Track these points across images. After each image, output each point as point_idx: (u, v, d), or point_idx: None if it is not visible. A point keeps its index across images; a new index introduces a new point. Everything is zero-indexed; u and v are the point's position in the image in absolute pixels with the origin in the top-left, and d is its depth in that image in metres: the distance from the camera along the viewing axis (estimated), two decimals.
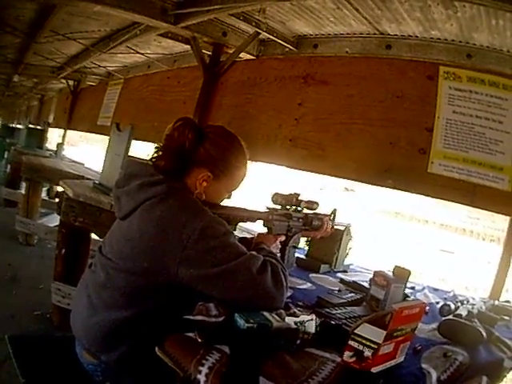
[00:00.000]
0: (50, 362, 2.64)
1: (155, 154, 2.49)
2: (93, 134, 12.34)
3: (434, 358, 2.32)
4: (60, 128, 13.98)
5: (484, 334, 2.60)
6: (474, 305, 3.27)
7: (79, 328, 2.43)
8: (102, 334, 2.29)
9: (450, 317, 2.82)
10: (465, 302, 3.34)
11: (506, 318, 3.37)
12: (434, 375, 2.12)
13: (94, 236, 5.42)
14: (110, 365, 2.33)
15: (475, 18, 4.16)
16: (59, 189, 8.32)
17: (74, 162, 10.24)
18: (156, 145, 2.50)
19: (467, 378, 2.24)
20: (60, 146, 10.75)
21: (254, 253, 2.34)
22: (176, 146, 2.43)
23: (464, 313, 2.91)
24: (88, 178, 6.75)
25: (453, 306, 3.12)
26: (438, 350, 2.43)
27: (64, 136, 13.59)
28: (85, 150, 26.64)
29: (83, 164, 10.09)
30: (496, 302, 3.64)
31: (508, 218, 4.73)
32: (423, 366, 2.20)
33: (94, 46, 8.33)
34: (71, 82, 13.15)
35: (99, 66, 10.48)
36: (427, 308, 3.21)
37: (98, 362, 2.35)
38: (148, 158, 2.52)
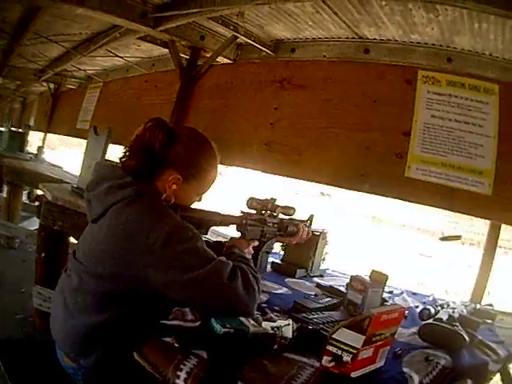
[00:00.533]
0: (33, 366, 2.63)
1: (124, 156, 2.45)
2: (72, 138, 12.27)
3: (415, 362, 2.33)
4: (40, 131, 13.88)
5: (466, 337, 2.60)
6: (454, 309, 3.27)
7: (58, 332, 2.40)
8: (78, 339, 2.27)
9: (430, 321, 2.82)
10: (445, 306, 3.34)
11: (489, 321, 3.39)
12: (417, 379, 2.12)
13: (72, 240, 5.35)
14: (89, 369, 2.30)
15: (457, 21, 4.16)
16: (39, 192, 8.30)
17: (53, 165, 10.20)
18: (125, 146, 2.46)
19: (451, 382, 2.24)
20: (40, 149, 10.71)
21: (223, 258, 2.31)
22: (146, 147, 2.38)
23: (444, 317, 2.89)
24: (67, 182, 6.70)
25: (433, 310, 3.13)
26: (419, 354, 2.44)
27: (44, 139, 13.53)
28: (64, 154, 26.60)
29: (62, 167, 10.03)
30: (478, 306, 3.66)
31: (488, 221, 4.76)
32: (404, 370, 2.21)
33: (75, 48, 8.30)
34: (52, 85, 13.05)
35: (79, 69, 10.40)
36: (406, 312, 3.21)
37: (78, 366, 2.33)
38: (118, 160, 2.49)
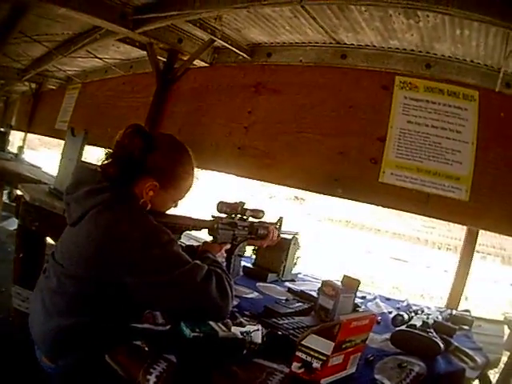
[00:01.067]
0: (16, 364, 2.63)
1: (105, 161, 2.45)
2: (51, 139, 12.23)
3: (387, 368, 2.33)
4: (21, 131, 13.84)
5: (441, 344, 2.59)
6: (429, 315, 3.26)
7: (36, 332, 2.40)
8: (56, 340, 2.27)
9: (403, 327, 2.82)
10: (419, 312, 3.34)
11: (466, 327, 3.40)
12: None
13: (50, 240, 5.31)
14: (67, 369, 2.29)
15: (438, 27, 4.18)
16: (19, 192, 8.29)
17: (32, 165, 10.13)
18: (106, 151, 2.48)
19: None
20: (21, 149, 10.71)
21: (198, 262, 2.32)
22: (125, 154, 2.39)
23: (418, 323, 2.89)
24: (44, 183, 6.68)
25: (406, 316, 3.13)
26: (391, 361, 2.44)
27: (25, 139, 13.51)
28: (43, 154, 26.52)
29: (41, 168, 9.98)
30: (454, 312, 3.67)
31: (465, 227, 4.77)
32: (376, 376, 2.21)
33: (57, 49, 8.27)
34: (34, 85, 13.03)
35: (60, 69, 10.41)
36: (379, 318, 3.25)
37: (56, 366, 2.32)
38: (98, 164, 2.49)
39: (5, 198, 9.74)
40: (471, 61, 4.59)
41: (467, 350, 2.85)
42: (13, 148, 12.08)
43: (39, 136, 14.14)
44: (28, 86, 13.14)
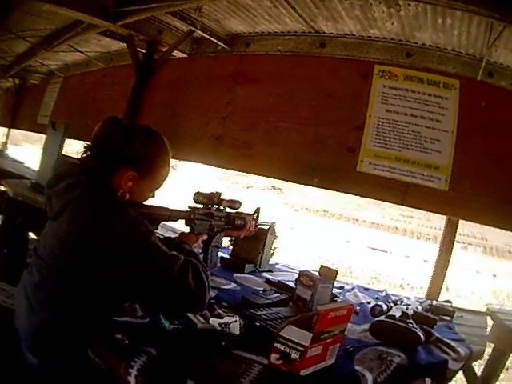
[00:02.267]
0: (1, 361, 2.59)
1: (84, 154, 2.48)
2: (34, 134, 12.22)
3: (367, 359, 2.33)
4: (4, 127, 13.86)
5: (421, 335, 2.60)
6: (408, 305, 3.28)
7: (21, 328, 2.39)
8: (40, 334, 2.27)
9: (382, 318, 2.81)
10: (398, 303, 3.36)
11: (447, 318, 3.40)
12: (370, 377, 2.12)
13: (32, 235, 5.31)
14: (52, 365, 2.28)
15: (419, 16, 4.16)
16: (2, 188, 8.25)
17: (15, 161, 10.19)
18: (85, 144, 2.47)
19: (408, 380, 2.26)
20: (4, 145, 10.67)
21: (174, 253, 2.33)
22: (103, 146, 2.42)
23: (398, 313, 2.88)
24: (27, 178, 6.70)
25: (385, 307, 3.14)
26: (371, 352, 2.45)
27: (8, 135, 13.53)
28: (26, 149, 26.47)
29: (23, 163, 9.99)
30: (434, 302, 3.66)
31: (444, 217, 4.79)
32: (356, 368, 2.21)
33: (40, 44, 8.25)
34: (17, 81, 13.02)
35: (42, 64, 10.36)
36: (358, 308, 3.28)
37: (41, 362, 2.31)
38: (78, 158, 2.51)
39: None
40: (452, 50, 4.57)
41: (449, 341, 2.85)
42: None
43: (23, 131, 14.13)
44: (12, 81, 13.12)
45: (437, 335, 2.83)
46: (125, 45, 6.86)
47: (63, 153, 5.00)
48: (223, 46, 6.04)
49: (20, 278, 2.54)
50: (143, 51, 6.86)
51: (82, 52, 8.28)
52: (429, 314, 3.10)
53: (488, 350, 3.55)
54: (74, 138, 6.16)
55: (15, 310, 2.53)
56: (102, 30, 6.51)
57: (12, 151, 12.63)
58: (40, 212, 4.40)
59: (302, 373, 1.93)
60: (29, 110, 11.87)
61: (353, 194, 4.99)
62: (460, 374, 3.21)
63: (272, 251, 4.29)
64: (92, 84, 8.87)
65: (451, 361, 2.61)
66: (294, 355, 1.90)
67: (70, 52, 8.43)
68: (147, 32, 6.27)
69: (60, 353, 2.24)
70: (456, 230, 4.77)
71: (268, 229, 4.10)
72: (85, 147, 2.47)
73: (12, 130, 13.47)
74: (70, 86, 9.89)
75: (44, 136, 6.29)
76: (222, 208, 3.17)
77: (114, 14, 5.66)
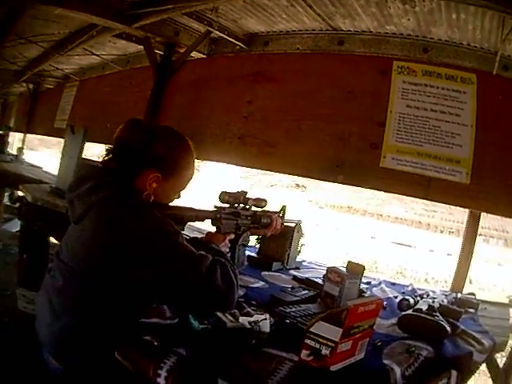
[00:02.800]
0: (22, 368, 2.61)
1: (106, 157, 2.47)
2: (50, 138, 12.20)
3: (396, 353, 2.33)
4: (20, 132, 13.85)
5: (448, 328, 2.60)
6: (434, 298, 3.29)
7: (43, 333, 2.37)
8: (64, 339, 2.26)
9: (410, 311, 2.81)
10: (425, 296, 3.37)
11: (471, 310, 3.39)
12: (398, 371, 2.11)
13: (53, 240, 5.28)
14: (76, 369, 2.28)
15: (434, 12, 4.16)
16: (20, 193, 8.24)
17: (33, 166, 10.10)
18: (107, 147, 2.46)
19: (435, 373, 2.23)
20: (20, 150, 10.67)
21: (202, 253, 2.32)
22: (126, 148, 2.40)
23: (424, 307, 2.88)
24: (46, 182, 6.65)
25: (412, 301, 3.13)
26: (399, 346, 2.44)
27: (24, 140, 13.51)
28: (43, 154, 26.42)
29: (41, 168, 9.94)
30: (459, 295, 3.66)
31: (467, 210, 4.78)
32: (385, 362, 2.20)
33: (53, 48, 8.24)
34: (31, 86, 12.99)
35: (57, 68, 10.30)
36: (385, 303, 3.23)
37: (64, 367, 2.30)
38: (99, 161, 2.50)
39: (6, 199, 9.74)
40: (468, 44, 4.57)
41: (474, 333, 2.84)
42: (12, 149, 12.06)
43: (39, 136, 14.11)
44: (25, 86, 13.10)
45: (462, 327, 2.83)
46: (141, 47, 6.86)
47: (83, 156, 4.99)
48: (242, 45, 6.04)
49: (40, 284, 2.54)
50: (161, 53, 6.86)
51: (97, 55, 8.29)
52: (454, 307, 3.10)
53: (510, 342, 3.54)
54: (93, 141, 6.19)
55: (36, 315, 2.51)
56: (118, 33, 6.49)
57: (29, 156, 12.61)
58: (60, 216, 4.43)
59: (333, 368, 1.93)
60: (45, 115, 11.86)
61: (377, 189, 4.98)
62: (483, 367, 3.21)
63: (299, 249, 4.28)
64: (110, 87, 8.87)
65: (476, 353, 2.61)
66: (325, 351, 1.89)
67: (85, 55, 8.44)
68: (164, 33, 6.27)
69: (85, 357, 2.24)
70: (478, 223, 4.75)
71: (294, 226, 4.08)
72: (107, 150, 2.46)
73: (28, 135, 13.45)
74: (87, 90, 9.90)
75: (62, 140, 6.30)
76: (248, 207, 3.15)
77: (129, 16, 5.67)
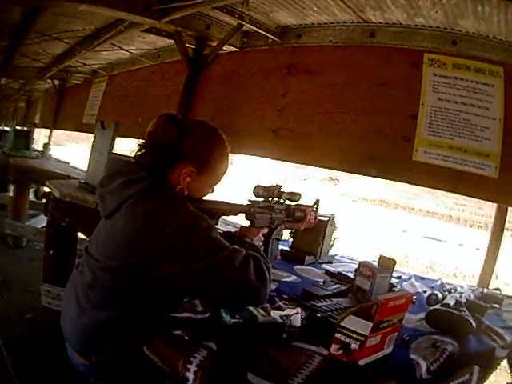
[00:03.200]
0: (44, 365, 2.61)
1: (138, 152, 2.48)
2: (79, 133, 12.24)
3: (422, 348, 2.33)
4: (46, 128, 13.95)
5: (473, 323, 2.59)
6: (461, 293, 3.29)
7: (69, 329, 2.40)
8: (90, 335, 2.27)
9: (438, 306, 2.81)
10: (452, 291, 3.36)
11: (496, 306, 3.36)
12: (424, 366, 2.12)
13: (81, 235, 5.32)
14: (101, 365, 2.30)
15: (460, 4, 4.14)
16: (46, 189, 8.26)
17: (59, 161, 10.19)
18: (139, 142, 2.48)
19: (458, 368, 2.23)
20: (46, 146, 10.70)
21: (236, 247, 2.31)
22: (159, 142, 2.41)
23: (452, 302, 2.89)
24: (74, 178, 6.71)
25: (440, 295, 3.13)
26: (426, 340, 2.44)
27: (50, 136, 13.57)
28: (71, 149, 26.56)
29: (69, 163, 10.05)
30: (485, 290, 3.64)
31: (495, 204, 4.75)
32: (412, 356, 2.21)
33: (79, 44, 8.28)
34: (57, 82, 13.01)
35: (84, 64, 10.38)
36: (414, 297, 3.21)
37: (89, 363, 2.32)
38: (131, 156, 2.51)
39: (31, 195, 9.78)
40: (494, 37, 4.53)
41: (497, 329, 2.84)
42: (38, 146, 12.12)
43: (67, 131, 14.18)
44: (51, 83, 13.17)
45: (487, 323, 2.82)
46: (172, 41, 6.86)
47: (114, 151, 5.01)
48: (274, 38, 6.02)
49: (67, 280, 2.57)
50: (192, 46, 6.86)
51: (126, 50, 8.30)
52: (480, 302, 3.10)
53: None
54: (124, 136, 6.22)
55: (62, 310, 2.54)
56: (147, 28, 6.50)
57: (56, 152, 12.64)
58: (90, 211, 4.45)
59: (361, 362, 1.93)
60: (72, 110, 11.95)
61: (409, 183, 4.96)
62: (504, 362, 3.19)
63: (331, 243, 4.28)
64: (140, 81, 8.89)
65: (498, 348, 2.61)
66: (354, 345, 1.90)
67: (114, 51, 8.47)
68: (195, 27, 6.26)
69: (111, 352, 2.26)
70: (506, 217, 4.74)
71: (327, 220, 4.09)
72: (139, 145, 2.47)
73: (54, 131, 13.55)
74: (117, 85, 9.90)
75: (91, 135, 6.31)
76: (282, 201, 3.16)
77: (158, 11, 5.67)
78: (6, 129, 13.16)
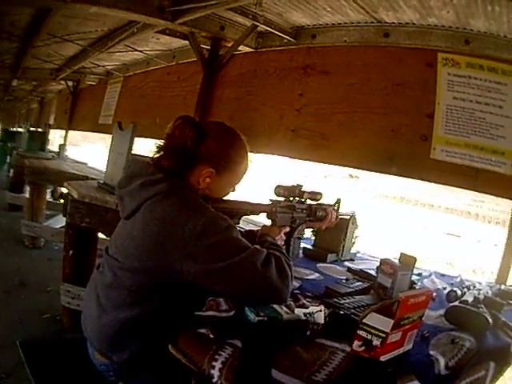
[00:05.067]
0: (63, 364, 2.63)
1: (157, 154, 2.51)
2: (94, 134, 12.28)
3: (441, 344, 2.34)
4: (61, 129, 13.98)
5: (490, 320, 2.61)
6: (480, 290, 3.27)
7: (90, 329, 2.44)
8: (112, 334, 2.31)
9: (457, 303, 2.83)
10: (471, 288, 3.36)
11: None
12: (442, 362, 2.13)
13: (101, 235, 5.39)
14: (122, 364, 2.34)
15: (471, 4, 4.15)
16: (63, 190, 8.29)
17: (76, 162, 10.24)
18: (157, 143, 2.50)
19: (474, 364, 2.23)
20: (62, 147, 10.72)
21: (257, 246, 2.35)
22: (178, 145, 2.43)
23: (470, 299, 2.91)
24: (92, 178, 6.77)
25: (459, 292, 3.14)
26: (445, 337, 2.45)
27: (65, 137, 13.62)
28: (87, 150, 26.58)
29: (86, 164, 10.09)
30: (502, 287, 3.64)
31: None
32: (431, 352, 2.23)
33: (92, 46, 8.32)
34: (70, 83, 13.08)
35: (98, 65, 10.43)
36: (434, 294, 3.22)
37: (110, 362, 2.37)
38: (150, 157, 2.54)
39: (48, 196, 9.83)
40: (504, 36, 4.53)
41: None
42: (54, 147, 12.14)
43: (82, 132, 14.21)
44: (64, 84, 13.24)
45: (503, 319, 2.82)
46: (187, 42, 6.90)
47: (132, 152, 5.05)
48: (289, 38, 6.04)
49: (87, 280, 2.62)
50: (207, 47, 6.91)
51: (140, 51, 8.34)
52: (497, 299, 3.10)
53: None
54: (141, 137, 6.25)
55: (82, 310, 2.59)
56: (161, 29, 6.53)
57: (72, 152, 12.69)
58: (109, 212, 4.49)
59: (382, 358, 1.96)
60: (88, 111, 12.00)
61: (428, 181, 4.99)
62: None
63: (353, 240, 4.30)
64: (156, 82, 8.93)
65: None
66: (376, 342, 1.93)
67: (128, 52, 8.50)
68: (209, 28, 6.29)
69: (133, 351, 2.30)
70: None
71: (349, 219, 4.11)
72: (157, 147, 2.51)
73: (71, 131, 13.57)
74: (132, 85, 9.95)
75: (106, 135, 6.34)
76: (303, 200, 3.18)
77: (171, 12, 5.71)
78: (20, 130, 13.21)
